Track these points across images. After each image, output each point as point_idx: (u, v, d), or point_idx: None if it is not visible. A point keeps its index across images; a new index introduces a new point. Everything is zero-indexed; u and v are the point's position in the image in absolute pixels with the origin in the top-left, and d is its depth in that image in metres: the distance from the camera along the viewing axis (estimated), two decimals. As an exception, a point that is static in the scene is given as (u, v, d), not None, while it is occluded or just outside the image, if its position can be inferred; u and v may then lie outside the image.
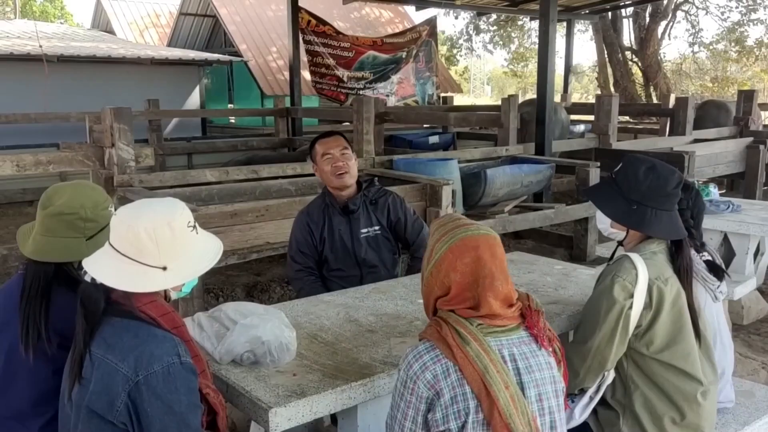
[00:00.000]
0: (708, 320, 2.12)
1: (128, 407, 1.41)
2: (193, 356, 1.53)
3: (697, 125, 9.41)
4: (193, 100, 12.89)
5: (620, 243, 2.13)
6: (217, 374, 1.85)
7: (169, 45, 17.53)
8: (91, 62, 11.23)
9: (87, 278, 1.51)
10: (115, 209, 1.82)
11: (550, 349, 1.58)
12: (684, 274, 1.99)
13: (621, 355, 1.95)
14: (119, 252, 1.49)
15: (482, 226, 1.60)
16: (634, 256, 1.95)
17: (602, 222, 2.15)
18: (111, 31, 18.69)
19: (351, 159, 3.02)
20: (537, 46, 7.55)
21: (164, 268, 1.49)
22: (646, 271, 1.91)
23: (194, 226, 1.57)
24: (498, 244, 1.57)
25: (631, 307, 1.88)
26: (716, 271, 2.17)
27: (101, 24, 20.18)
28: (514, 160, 6.56)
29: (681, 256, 2.00)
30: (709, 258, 2.21)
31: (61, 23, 29.47)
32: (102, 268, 1.49)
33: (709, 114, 9.74)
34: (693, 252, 2.18)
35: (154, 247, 1.48)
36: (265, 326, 1.94)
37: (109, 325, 1.49)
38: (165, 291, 1.58)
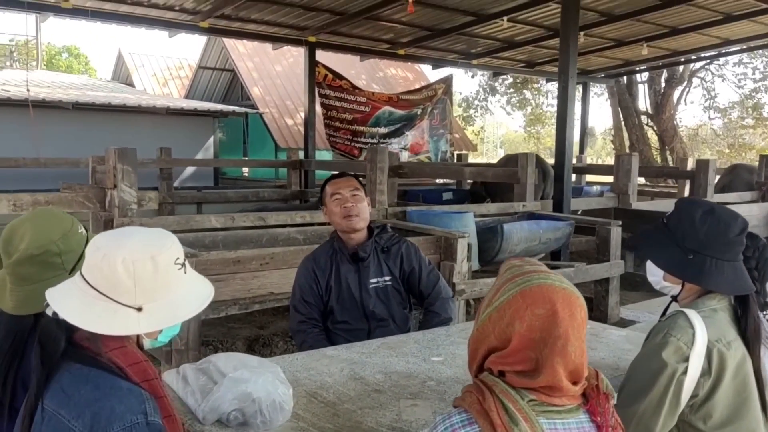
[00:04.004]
0: None
1: (79, 476, 1.16)
2: (165, 416, 1.28)
3: (729, 189, 9.25)
4: (208, 151, 12.88)
5: (674, 298, 1.85)
6: (198, 437, 1.59)
7: (188, 97, 17.76)
8: (106, 110, 11.28)
9: (49, 312, 1.28)
10: (86, 231, 1.60)
11: None
12: (751, 336, 1.70)
13: (671, 429, 1.67)
14: (89, 283, 1.26)
15: (565, 280, 1.30)
16: (691, 313, 1.68)
17: (653, 274, 1.87)
18: (131, 84, 18.99)
19: (362, 201, 2.81)
20: (552, 109, 7.47)
21: (139, 309, 1.26)
22: (705, 331, 1.64)
23: (183, 264, 1.34)
24: (581, 305, 1.26)
25: (685, 373, 1.60)
26: None
27: (121, 77, 20.56)
28: (531, 216, 6.34)
29: (748, 315, 1.71)
30: None
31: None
32: (65, 300, 1.26)
33: (740, 177, 9.64)
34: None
35: (131, 282, 1.24)
36: (257, 381, 1.69)
37: (68, 372, 1.25)
38: (138, 337, 1.34)
